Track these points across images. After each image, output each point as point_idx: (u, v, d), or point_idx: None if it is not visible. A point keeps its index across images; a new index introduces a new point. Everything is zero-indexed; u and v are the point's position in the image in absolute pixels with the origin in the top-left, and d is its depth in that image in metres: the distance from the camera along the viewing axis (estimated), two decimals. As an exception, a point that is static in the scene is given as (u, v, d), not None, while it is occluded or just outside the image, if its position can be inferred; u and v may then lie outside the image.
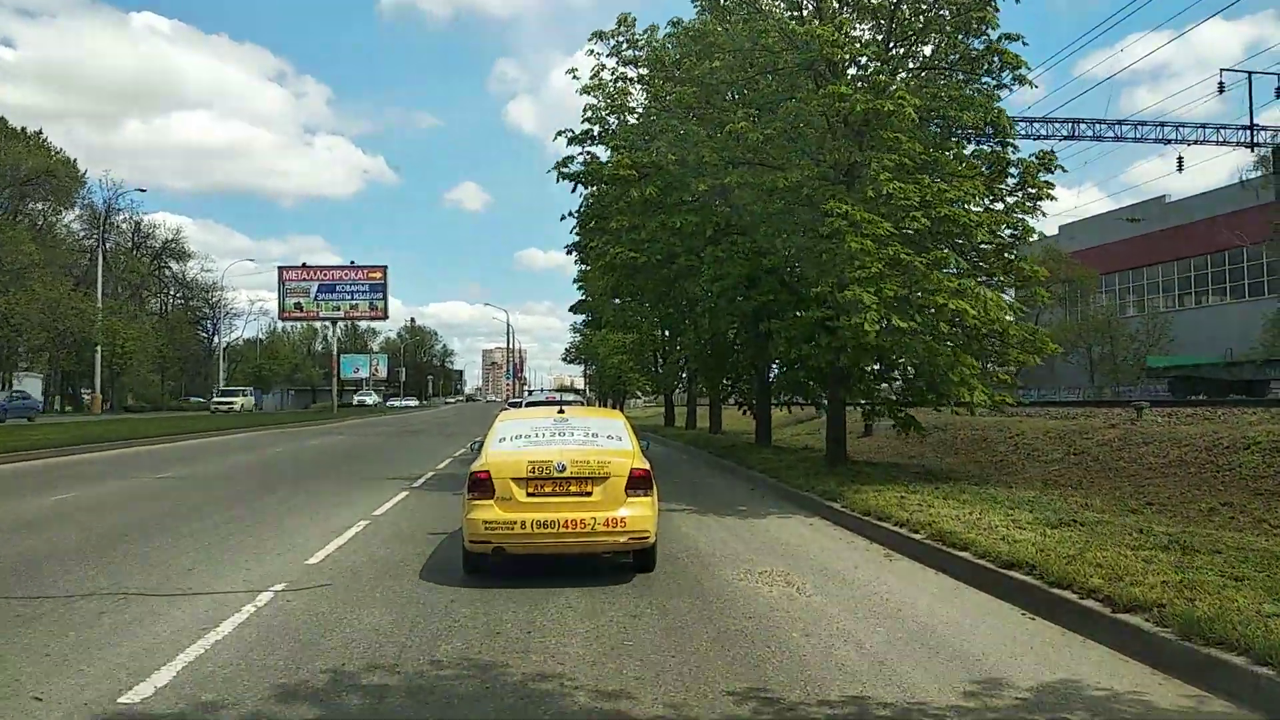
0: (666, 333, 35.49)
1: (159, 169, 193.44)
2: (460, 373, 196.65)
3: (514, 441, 7.98)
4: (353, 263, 60.91)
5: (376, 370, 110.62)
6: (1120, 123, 33.38)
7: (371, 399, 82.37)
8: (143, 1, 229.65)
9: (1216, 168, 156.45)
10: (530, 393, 20.98)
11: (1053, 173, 13.92)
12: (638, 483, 7.49)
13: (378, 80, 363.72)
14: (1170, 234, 50.33)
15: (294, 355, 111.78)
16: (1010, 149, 13.56)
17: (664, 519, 11.16)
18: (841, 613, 6.66)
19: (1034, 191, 13.51)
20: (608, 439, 8.07)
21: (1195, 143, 33.43)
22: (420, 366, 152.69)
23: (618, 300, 33.11)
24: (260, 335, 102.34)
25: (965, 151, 13.75)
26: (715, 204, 14.51)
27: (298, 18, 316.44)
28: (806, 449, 20.81)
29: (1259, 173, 44.93)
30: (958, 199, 11.96)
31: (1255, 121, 33.67)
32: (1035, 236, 13.54)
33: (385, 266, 60.91)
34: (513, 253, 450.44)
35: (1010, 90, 13.67)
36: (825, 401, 17.97)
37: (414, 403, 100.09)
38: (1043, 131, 32.31)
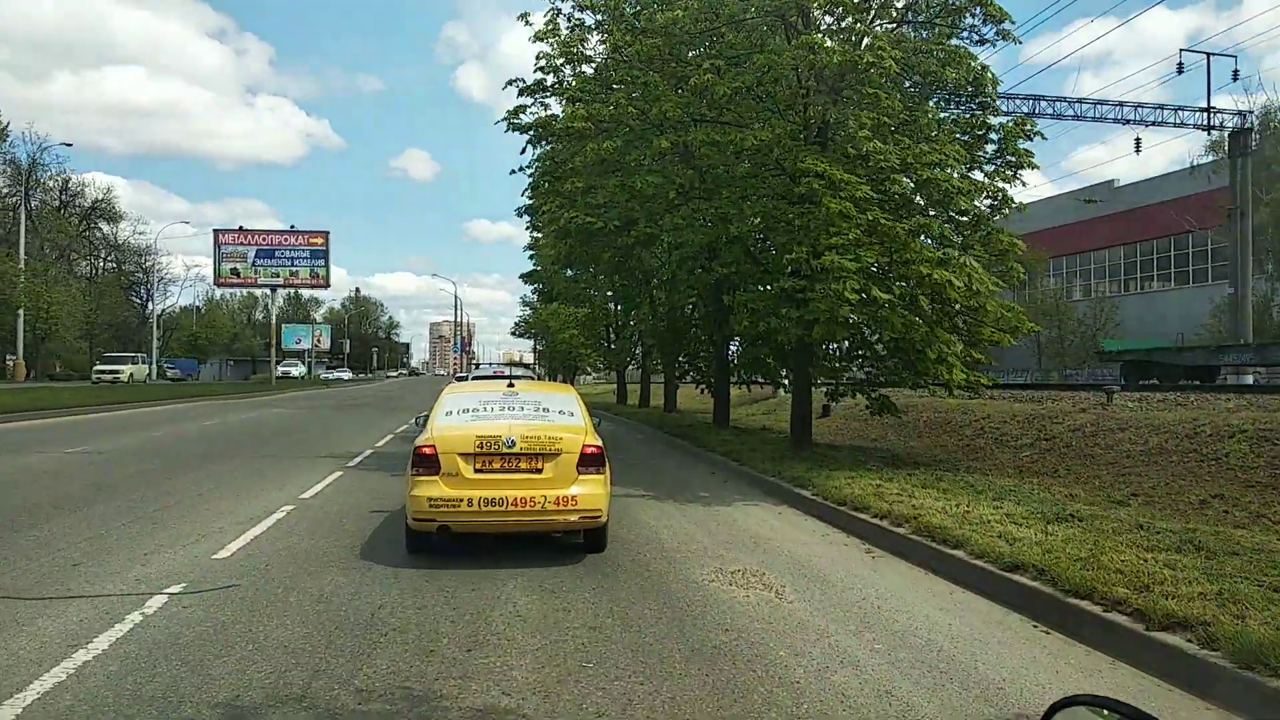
0: (620, 307, 34.61)
1: (90, 127, 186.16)
2: (407, 346, 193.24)
3: (461, 415, 7.76)
4: (293, 227, 58.56)
5: (319, 341, 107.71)
6: (1080, 101, 33.00)
7: (298, 370, 77.24)
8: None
9: (1158, 155, 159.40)
10: (478, 366, 19.78)
11: (1030, 140, 13.24)
12: (590, 460, 7.29)
13: (323, 41, 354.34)
14: (1118, 218, 50.60)
15: (233, 324, 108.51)
16: (989, 112, 12.76)
17: (621, 506, 10.39)
18: (830, 624, 5.81)
19: (1013, 159, 12.77)
20: (559, 414, 7.86)
21: (1155, 124, 33.20)
22: (365, 338, 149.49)
23: (571, 271, 32.15)
24: (198, 303, 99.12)
25: (943, 114, 12.92)
26: (677, 165, 13.50)
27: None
28: (766, 430, 20.09)
29: (1210, 158, 45.34)
30: (938, 162, 11.13)
31: (1211, 104, 33.51)
32: (1014, 206, 12.78)
33: (327, 232, 58.75)
34: (461, 223, 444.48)
35: (994, 46, 12.86)
36: (788, 381, 17.26)
37: (347, 375, 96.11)
38: (1005, 108, 31.77)
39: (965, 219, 11.94)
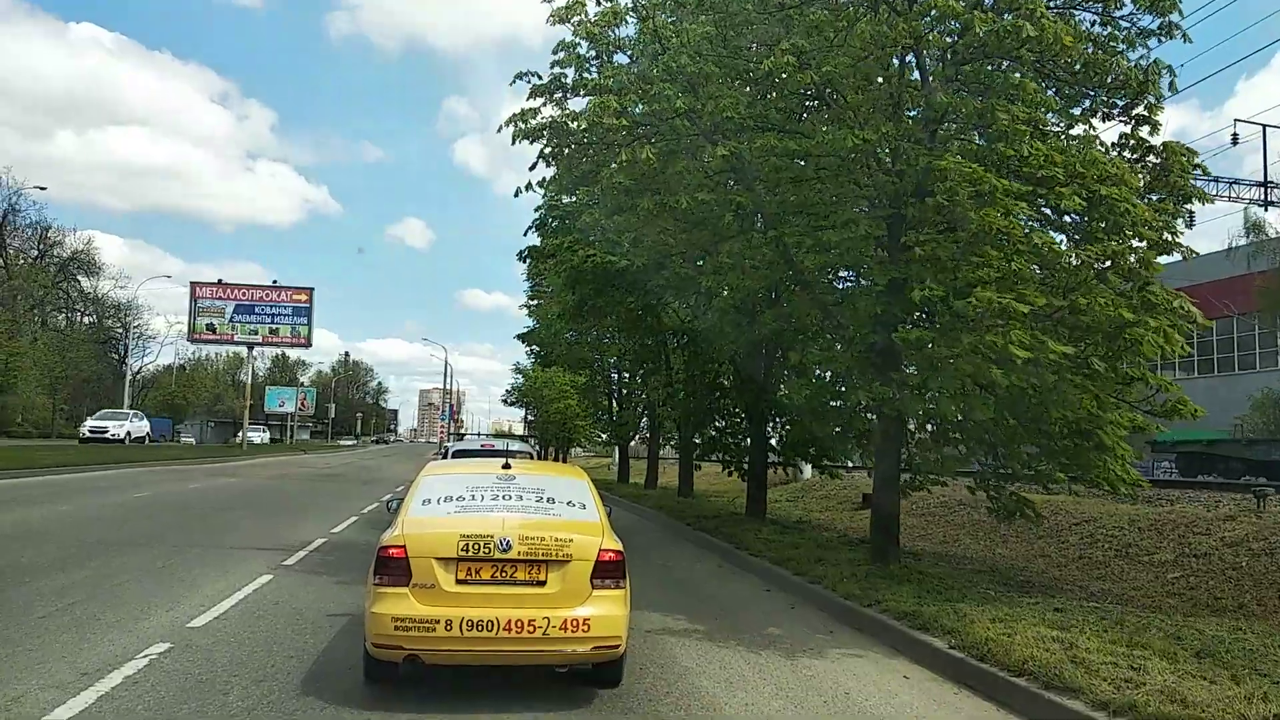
0: (623, 375, 31.31)
1: (91, 184, 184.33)
2: (395, 412, 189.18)
3: (442, 505, 6.10)
4: (275, 282, 55.41)
5: (304, 405, 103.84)
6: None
7: (260, 437, 68.32)
8: (84, 12, 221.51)
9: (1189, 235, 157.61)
10: (462, 438, 16.18)
11: (1190, 173, 10.11)
12: (608, 570, 5.71)
13: (325, 110, 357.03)
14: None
15: (215, 385, 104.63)
16: (1150, 128, 9.61)
17: (657, 647, 7.07)
18: None
19: (1181, 187, 9.62)
20: (567, 506, 6.24)
21: (1212, 198, 30.48)
22: (352, 403, 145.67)
23: (571, 334, 28.97)
24: (180, 361, 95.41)
25: (1096, 122, 9.75)
26: (730, 184, 10.33)
27: (245, 40, 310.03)
28: (811, 526, 16.61)
29: (1246, 240, 42.84)
30: (1115, 176, 7.96)
31: (1269, 178, 30.96)
32: (1183, 253, 9.54)
33: (311, 288, 55.41)
34: (454, 291, 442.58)
35: (1148, 49, 9.80)
36: (853, 467, 13.87)
37: (265, 438, 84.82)
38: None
39: (1134, 260, 8.65)
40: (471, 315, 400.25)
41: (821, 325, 11.83)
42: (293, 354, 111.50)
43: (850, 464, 22.76)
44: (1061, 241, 8.56)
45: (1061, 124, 9.16)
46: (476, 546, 5.50)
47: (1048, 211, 8.36)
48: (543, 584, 5.54)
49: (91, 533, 12.64)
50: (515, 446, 8.64)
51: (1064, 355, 7.21)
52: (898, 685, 6.64)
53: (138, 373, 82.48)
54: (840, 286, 11.83)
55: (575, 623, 5.47)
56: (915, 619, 7.81)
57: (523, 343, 38.15)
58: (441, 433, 77.57)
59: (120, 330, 78.03)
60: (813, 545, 12.62)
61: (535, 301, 29.25)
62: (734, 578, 11.55)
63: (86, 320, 79.35)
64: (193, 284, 55.65)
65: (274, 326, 54.71)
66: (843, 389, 10.98)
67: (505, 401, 62.18)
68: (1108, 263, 7.86)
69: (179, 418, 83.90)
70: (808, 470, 25.26)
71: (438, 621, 5.35)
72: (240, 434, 56.70)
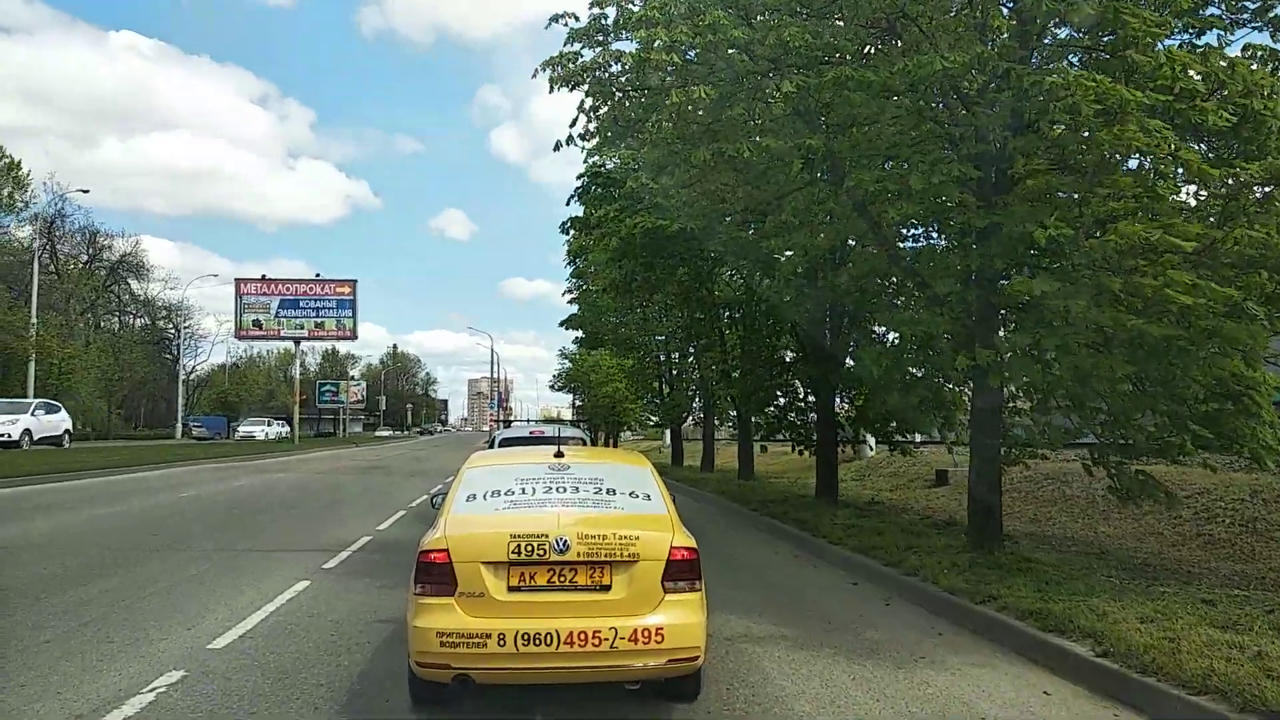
0: (672, 355, 30.22)
1: (137, 190, 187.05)
2: (445, 402, 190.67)
3: (489, 501, 5.35)
4: (318, 275, 55.14)
5: (353, 395, 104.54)
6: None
7: (262, 433, 57.03)
8: (123, 20, 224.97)
9: None
10: (508, 424, 15.15)
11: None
12: (681, 570, 4.92)
13: (361, 105, 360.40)
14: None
15: (268, 381, 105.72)
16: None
17: (741, 657, 6.51)
18: None
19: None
20: (630, 498, 5.47)
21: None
22: (402, 395, 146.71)
23: (615, 318, 27.93)
24: (233, 359, 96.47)
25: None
26: (798, 127, 9.12)
27: (280, 40, 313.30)
28: (885, 507, 15.40)
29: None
30: (1268, 88, 6.66)
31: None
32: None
33: (354, 280, 55.02)
34: (497, 281, 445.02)
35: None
36: (922, 441, 12.71)
37: (386, 431, 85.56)
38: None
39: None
40: (514, 304, 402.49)
41: (899, 286, 10.63)
42: (343, 348, 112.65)
43: (918, 438, 21.42)
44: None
45: (1190, 32, 7.82)
46: (529, 548, 4.79)
47: (1184, 134, 7.06)
48: (607, 589, 4.83)
49: (126, 539, 11.94)
50: (567, 432, 7.59)
51: (1227, 299, 5.97)
52: (1039, 704, 5.51)
53: (191, 372, 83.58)
54: (919, 244, 10.61)
55: (646, 632, 4.73)
56: (1043, 618, 6.66)
57: (566, 328, 37.20)
58: (491, 421, 77.26)
59: (173, 331, 78.93)
60: (896, 530, 11.49)
61: (578, 281, 28.20)
62: (813, 569, 10.45)
63: (138, 322, 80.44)
64: (237, 280, 55.62)
65: (319, 320, 54.58)
66: (931, 355, 9.77)
67: (552, 387, 61.50)
68: (1269, 187, 6.57)
69: (233, 415, 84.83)
70: (871, 444, 24.06)
71: (489, 635, 4.65)
72: (293, 428, 56.60)
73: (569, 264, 26.52)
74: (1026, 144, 7.36)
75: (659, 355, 30.22)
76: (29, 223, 59.26)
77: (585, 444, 11.54)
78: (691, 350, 24.69)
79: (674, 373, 30.29)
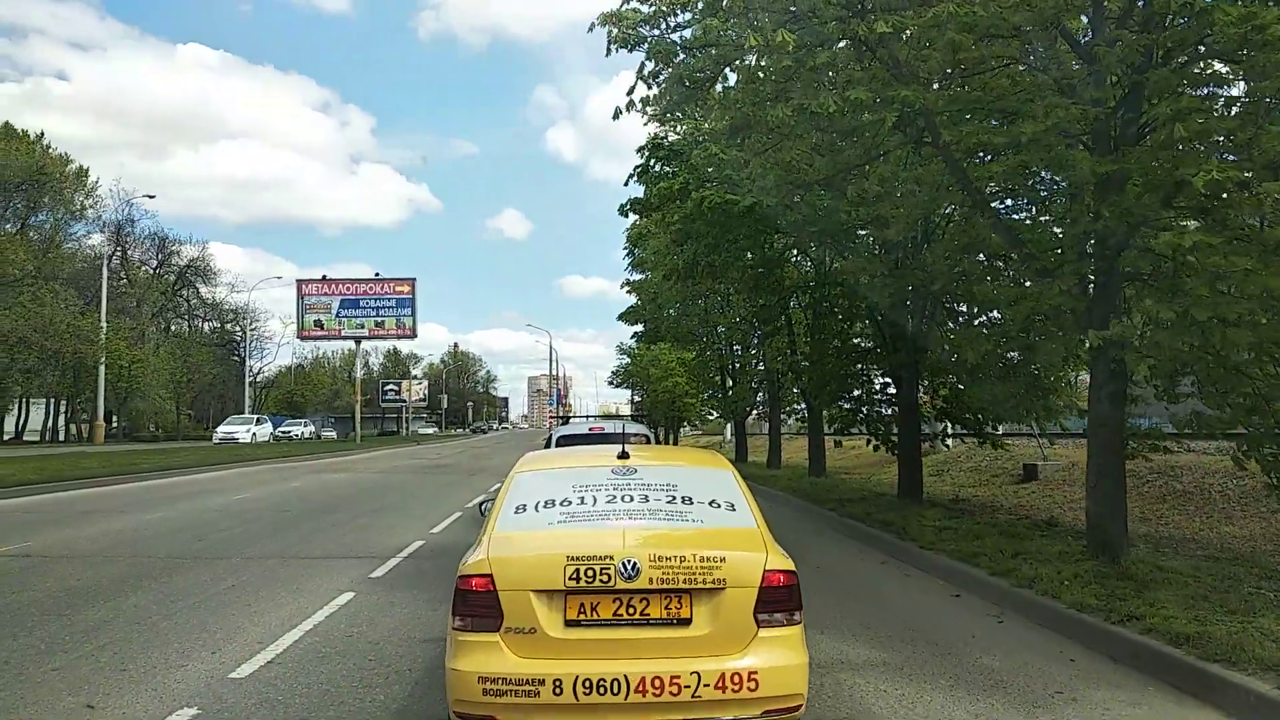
0: (738, 347, 29.14)
1: (205, 199, 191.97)
2: (505, 400, 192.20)
3: (541, 513, 4.39)
4: (377, 274, 55.26)
5: (413, 393, 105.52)
6: None
7: (246, 433, 50.99)
8: (190, 34, 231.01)
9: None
10: (567, 420, 14.16)
11: None
12: (778, 599, 3.97)
13: (420, 108, 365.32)
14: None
15: (333, 381, 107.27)
16: None
17: (840, 691, 5.41)
18: None
19: None
20: (711, 508, 4.43)
21: None
22: (463, 393, 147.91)
23: (681, 305, 26.93)
24: (298, 360, 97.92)
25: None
26: (886, 80, 8.03)
27: (340, 47, 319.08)
28: (974, 506, 14.20)
29: None
30: None
31: None
32: None
33: (414, 279, 54.95)
34: (555, 280, 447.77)
35: None
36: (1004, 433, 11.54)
37: (333, 435, 72.39)
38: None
39: None
40: (572, 302, 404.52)
41: (1001, 261, 9.49)
42: (404, 348, 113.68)
43: (999, 431, 20.05)
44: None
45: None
46: (591, 573, 3.92)
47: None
48: (687, 623, 3.94)
49: (168, 546, 11.39)
50: (630, 429, 6.62)
51: None
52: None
53: (257, 374, 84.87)
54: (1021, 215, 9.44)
55: (737, 677, 3.86)
56: (1203, 645, 5.54)
57: (625, 322, 36.31)
58: (549, 418, 76.88)
59: (239, 334, 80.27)
60: (995, 532, 10.34)
61: (636, 272, 27.27)
62: (907, 579, 9.37)
63: (206, 326, 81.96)
64: (298, 282, 56.19)
65: (379, 320, 54.74)
66: (1039, 337, 8.64)
67: (611, 384, 60.78)
68: None
69: (299, 415, 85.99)
70: (948, 436, 22.75)
71: (542, 681, 3.81)
72: (355, 427, 56.86)
73: (627, 253, 25.66)
74: (1164, 80, 6.22)
75: (721, 347, 29.17)
76: (99, 230, 60.50)
77: (649, 442, 10.55)
78: (756, 340, 23.59)
79: (737, 365, 29.20)
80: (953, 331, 10.94)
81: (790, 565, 4.09)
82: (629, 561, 3.90)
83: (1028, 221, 8.80)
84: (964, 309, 11.73)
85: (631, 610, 3.92)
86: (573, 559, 3.91)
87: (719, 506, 4.50)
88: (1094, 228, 7.50)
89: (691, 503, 4.47)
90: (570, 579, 3.89)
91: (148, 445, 47.08)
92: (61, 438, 54.06)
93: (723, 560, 3.97)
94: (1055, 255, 8.27)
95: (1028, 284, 8.44)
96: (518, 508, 4.50)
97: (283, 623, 7.13)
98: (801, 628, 4.06)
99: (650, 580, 3.90)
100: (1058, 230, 9.40)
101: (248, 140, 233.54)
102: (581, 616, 3.90)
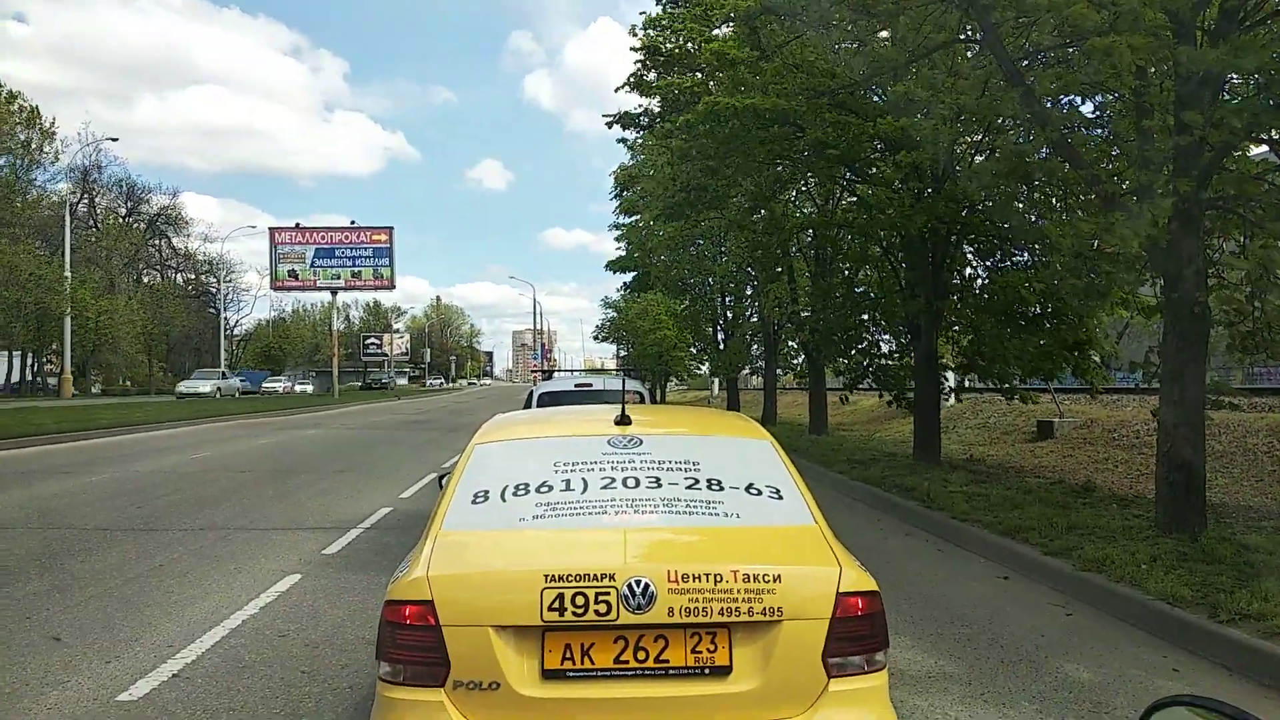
0: (730, 299, 27.83)
1: (175, 148, 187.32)
2: (490, 354, 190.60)
3: (510, 502, 3.01)
4: (353, 222, 53.31)
5: (395, 346, 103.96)
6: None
7: (208, 385, 47.96)
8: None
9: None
10: (550, 374, 12.04)
11: None
12: (857, 633, 2.65)
13: (395, 55, 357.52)
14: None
15: (313, 335, 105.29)
16: None
17: (900, 714, 3.86)
18: None
19: None
20: (749, 495, 3.09)
21: None
22: (447, 347, 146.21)
23: (664, 256, 25.57)
24: (277, 313, 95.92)
25: None
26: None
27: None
28: (990, 466, 13.06)
29: None
30: None
31: None
32: None
33: (391, 228, 52.98)
34: (537, 233, 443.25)
35: None
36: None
37: (309, 389, 73.13)
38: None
39: None
40: (555, 255, 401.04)
41: (1043, 191, 8.18)
42: (387, 301, 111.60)
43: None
44: None
45: None
46: (582, 599, 2.57)
47: None
48: (724, 673, 2.60)
49: (100, 514, 10.08)
50: (623, 384, 5.04)
51: None
52: None
53: (233, 326, 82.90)
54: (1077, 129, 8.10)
55: None
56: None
57: (613, 271, 34.84)
58: (533, 372, 75.39)
59: (214, 286, 78.19)
60: (1036, 502, 9.17)
61: (625, 218, 25.79)
62: (941, 555, 8.17)
63: (180, 277, 79.78)
64: (271, 230, 54.18)
65: (355, 270, 53.01)
66: (1100, 277, 7.38)
67: (596, 338, 59.28)
68: None
69: (276, 368, 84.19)
70: (950, 387, 21.65)
71: None
72: (333, 381, 55.36)
73: (615, 195, 24.15)
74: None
75: (714, 297, 27.84)
76: (65, 178, 58.13)
77: (642, 402, 9.00)
78: (751, 289, 22.27)
79: (729, 317, 27.89)
80: (989, 271, 9.68)
81: (872, 584, 2.77)
82: (638, 582, 2.57)
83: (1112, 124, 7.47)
84: (995, 247, 10.45)
85: (642, 655, 2.60)
86: (554, 578, 2.58)
87: (759, 494, 3.14)
88: (1184, 141, 6.21)
89: (722, 488, 3.11)
90: (551, 609, 2.57)
91: (116, 399, 45.53)
92: (31, 392, 52.28)
93: (777, 579, 2.65)
94: (1122, 179, 6.96)
95: (1096, 215, 7.12)
96: (476, 495, 3.09)
97: (205, 618, 5.88)
98: (886, 673, 2.76)
99: (670, 611, 2.58)
100: (1116, 151, 8.09)
101: (217, 87, 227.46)
102: (567, 665, 2.59)
